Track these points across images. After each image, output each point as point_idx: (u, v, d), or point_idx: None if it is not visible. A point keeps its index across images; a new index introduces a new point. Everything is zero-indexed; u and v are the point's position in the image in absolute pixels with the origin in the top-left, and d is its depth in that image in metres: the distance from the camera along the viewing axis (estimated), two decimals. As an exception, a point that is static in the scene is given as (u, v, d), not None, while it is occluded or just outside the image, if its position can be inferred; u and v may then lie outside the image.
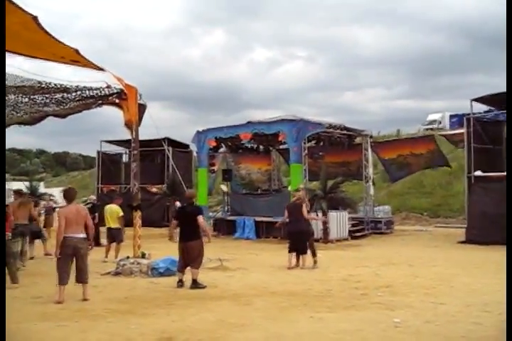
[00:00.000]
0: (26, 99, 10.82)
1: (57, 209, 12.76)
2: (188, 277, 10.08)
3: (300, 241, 12.53)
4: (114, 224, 14.33)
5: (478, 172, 18.16)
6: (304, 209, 12.51)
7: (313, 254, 12.67)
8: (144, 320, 7.31)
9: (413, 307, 8.00)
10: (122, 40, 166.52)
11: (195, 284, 9.89)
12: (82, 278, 8.86)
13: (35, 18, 6.89)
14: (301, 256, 12.52)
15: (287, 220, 12.86)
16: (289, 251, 12.54)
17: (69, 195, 9.00)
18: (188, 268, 10.12)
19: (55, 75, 10.43)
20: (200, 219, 10.04)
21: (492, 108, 19.78)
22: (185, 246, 10.03)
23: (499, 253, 13.22)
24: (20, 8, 6.46)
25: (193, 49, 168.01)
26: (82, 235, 8.77)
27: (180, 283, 9.98)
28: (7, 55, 7.63)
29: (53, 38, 7.72)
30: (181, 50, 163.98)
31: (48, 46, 8.20)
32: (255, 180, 27.79)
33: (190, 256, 10.03)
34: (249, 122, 21.97)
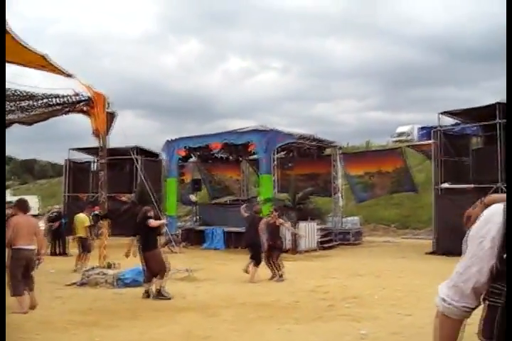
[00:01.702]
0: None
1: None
2: (154, 288, 9.97)
3: (254, 252, 12.44)
4: (81, 233, 14.18)
5: (446, 185, 18.38)
6: (262, 224, 12.48)
7: (278, 268, 12.55)
8: (109, 332, 7.18)
9: (380, 319, 8.01)
10: (97, 47, 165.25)
11: (159, 295, 9.79)
12: (30, 286, 8.66)
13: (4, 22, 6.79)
14: (252, 267, 12.36)
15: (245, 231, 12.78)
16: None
17: (23, 206, 8.90)
18: (154, 279, 9.99)
19: (24, 82, 10.26)
20: (152, 222, 9.95)
21: (459, 121, 20.08)
22: (144, 257, 9.93)
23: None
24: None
25: (169, 57, 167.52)
26: (34, 246, 8.60)
27: (146, 294, 9.86)
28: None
29: (20, 43, 7.61)
30: (156, 58, 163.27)
31: (15, 51, 8.08)
32: (229, 186, 27.94)
33: (150, 267, 9.92)
34: (217, 133, 21.95)
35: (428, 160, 23.30)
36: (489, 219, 1.92)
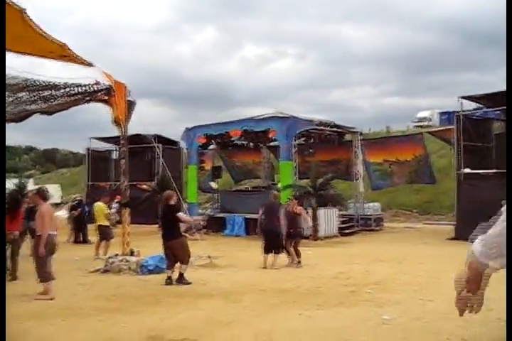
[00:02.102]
0: (11, 99, 10.66)
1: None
2: (176, 274, 10.06)
3: (273, 240, 12.35)
4: (101, 222, 14.35)
5: (467, 170, 18.21)
6: (281, 212, 12.48)
7: (298, 255, 12.59)
8: (132, 318, 7.27)
9: (402, 304, 8.01)
10: (112, 37, 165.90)
11: (181, 278, 9.95)
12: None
13: (23, 11, 6.80)
14: (273, 255, 12.29)
15: (262, 218, 12.71)
16: (265, 252, 12.30)
17: (45, 194, 9.21)
18: (177, 264, 10.13)
19: (43, 72, 10.33)
20: (182, 216, 10.21)
21: (481, 106, 19.83)
22: (168, 246, 10.09)
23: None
24: (7, 2, 6.37)
25: (184, 46, 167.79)
26: (56, 232, 9.01)
27: (169, 280, 9.96)
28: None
29: (41, 31, 7.63)
30: (172, 47, 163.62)
31: (35, 41, 8.11)
32: (252, 169, 28.06)
33: (176, 255, 10.07)
34: (236, 120, 21.93)
35: (451, 146, 23.04)
36: None
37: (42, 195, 9.19)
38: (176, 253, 10.05)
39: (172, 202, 10.39)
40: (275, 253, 12.26)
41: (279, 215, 12.39)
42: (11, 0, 6.42)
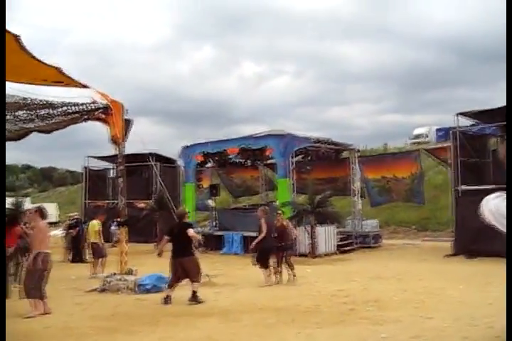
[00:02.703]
0: (10, 117, 10.70)
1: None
2: (176, 294, 10.01)
3: (259, 255, 12.41)
4: (93, 239, 14.38)
5: (464, 186, 18.21)
6: (263, 224, 12.44)
7: (291, 267, 12.59)
8: (131, 338, 7.22)
9: (401, 322, 7.96)
10: (112, 56, 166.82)
11: (195, 297, 9.89)
12: (44, 292, 9.00)
13: (17, 37, 6.82)
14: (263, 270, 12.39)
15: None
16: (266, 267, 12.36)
17: (44, 213, 9.32)
18: (181, 283, 10.15)
19: (42, 92, 10.39)
20: (191, 232, 10.12)
21: (477, 122, 19.91)
22: (179, 262, 10.00)
23: (487, 266, 13.26)
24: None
25: (183, 64, 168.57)
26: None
27: (168, 299, 9.88)
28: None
29: (34, 58, 7.66)
30: (170, 65, 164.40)
31: (29, 69, 8.15)
32: (251, 185, 28.09)
33: (188, 272, 10.01)
34: (234, 138, 22.00)
35: (446, 165, 23.07)
36: None
37: (41, 213, 9.28)
38: (188, 270, 9.99)
39: (186, 220, 10.48)
40: (260, 267, 12.31)
41: (262, 230, 12.38)
42: (4, 28, 6.43)
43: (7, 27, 6.52)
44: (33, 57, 7.60)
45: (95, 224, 14.55)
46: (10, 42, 6.82)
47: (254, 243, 12.43)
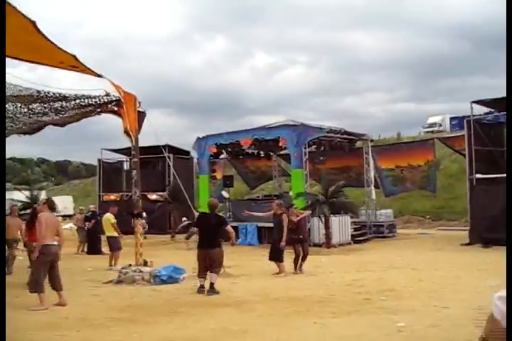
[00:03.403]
0: (25, 110, 10.80)
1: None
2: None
3: (272, 249, 12.55)
4: (108, 232, 14.46)
5: (479, 175, 18.11)
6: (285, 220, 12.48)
7: (304, 260, 12.67)
8: (146, 328, 7.27)
9: (417, 311, 7.95)
10: (123, 48, 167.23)
11: (212, 288, 9.96)
12: (58, 285, 9.02)
13: (33, 23, 6.86)
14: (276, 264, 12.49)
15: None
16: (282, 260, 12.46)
17: (53, 205, 9.36)
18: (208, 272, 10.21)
19: (56, 85, 10.49)
20: (229, 229, 10.45)
21: (492, 110, 19.75)
22: (207, 253, 10.13)
23: (502, 255, 13.15)
24: (20, 12, 6.43)
25: (194, 55, 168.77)
26: (57, 242, 9.01)
27: (202, 289, 10.02)
28: (8, 60, 7.61)
29: (52, 42, 7.70)
30: (182, 57, 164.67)
31: (46, 51, 8.18)
32: (266, 171, 28.63)
33: (212, 262, 10.15)
34: (247, 129, 22.00)
35: (462, 154, 22.99)
36: None
37: (50, 204, 9.32)
38: (213, 261, 10.13)
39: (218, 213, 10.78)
40: (275, 261, 12.41)
41: (281, 223, 12.43)
42: (21, 12, 6.46)
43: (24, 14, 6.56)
44: (50, 42, 7.63)
45: (110, 218, 14.57)
46: (27, 25, 6.85)
47: (283, 240, 12.25)
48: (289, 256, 12.74)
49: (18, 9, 6.34)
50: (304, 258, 12.62)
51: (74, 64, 8.94)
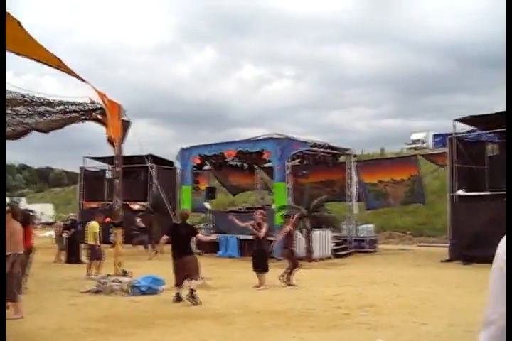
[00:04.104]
0: (8, 111, 10.71)
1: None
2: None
3: (259, 260, 12.49)
4: (90, 241, 14.28)
5: (461, 192, 18.24)
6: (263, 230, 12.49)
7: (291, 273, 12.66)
8: (124, 340, 7.18)
9: (396, 327, 7.94)
10: (113, 57, 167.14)
11: (192, 295, 9.94)
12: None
13: (18, 23, 6.85)
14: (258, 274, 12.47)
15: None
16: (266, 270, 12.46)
17: (17, 213, 9.21)
18: (186, 281, 10.25)
19: (41, 91, 10.43)
20: (200, 236, 10.73)
21: (474, 128, 19.95)
22: (180, 262, 10.20)
23: (483, 272, 13.20)
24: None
25: (183, 66, 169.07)
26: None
27: (178, 297, 10.08)
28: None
29: (36, 42, 7.67)
30: (171, 67, 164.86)
31: (33, 48, 8.14)
32: (248, 187, 29.20)
33: (188, 271, 10.18)
34: (231, 141, 22.03)
35: (442, 167, 23.27)
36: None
37: (14, 212, 9.10)
38: (188, 269, 10.18)
39: (188, 222, 10.84)
40: (260, 271, 12.37)
41: (264, 233, 12.43)
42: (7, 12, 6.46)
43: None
44: (34, 41, 7.60)
45: (94, 226, 14.35)
46: (11, 22, 6.83)
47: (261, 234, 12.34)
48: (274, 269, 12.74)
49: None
50: (292, 271, 12.62)
51: (58, 64, 8.90)
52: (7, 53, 8.22)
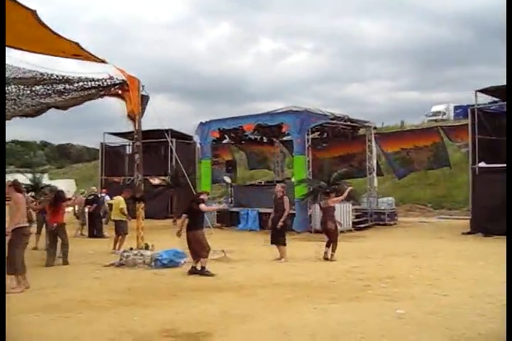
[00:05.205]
0: (28, 91, 10.77)
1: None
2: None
3: (275, 234, 12.52)
4: (115, 216, 14.35)
5: (482, 164, 18.06)
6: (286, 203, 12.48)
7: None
8: (147, 312, 7.30)
9: (416, 299, 7.98)
10: (128, 32, 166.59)
11: (202, 271, 10.17)
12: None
13: (34, 13, 6.80)
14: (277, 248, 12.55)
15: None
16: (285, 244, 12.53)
17: (20, 187, 9.36)
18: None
19: (59, 68, 10.44)
20: (203, 207, 10.48)
21: (496, 99, 19.64)
22: (188, 235, 10.39)
23: (503, 244, 13.19)
24: (19, 4, 6.37)
25: (199, 41, 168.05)
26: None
27: (193, 269, 10.31)
28: (7, 49, 7.56)
29: (53, 32, 7.64)
30: (187, 42, 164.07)
31: (47, 41, 8.13)
32: (268, 158, 29.03)
33: (194, 247, 10.35)
34: (250, 115, 21.96)
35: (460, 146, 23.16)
36: None
37: (16, 186, 9.14)
38: (194, 243, 10.35)
39: (201, 197, 10.89)
40: (277, 245, 12.46)
41: (283, 206, 12.40)
42: (20, 3, 6.41)
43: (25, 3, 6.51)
44: (52, 31, 7.58)
45: (120, 202, 14.27)
46: (27, 17, 6.81)
47: (281, 221, 12.29)
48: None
49: (17, 1, 6.29)
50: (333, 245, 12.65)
51: (76, 52, 8.90)
52: (21, 52, 8.28)
